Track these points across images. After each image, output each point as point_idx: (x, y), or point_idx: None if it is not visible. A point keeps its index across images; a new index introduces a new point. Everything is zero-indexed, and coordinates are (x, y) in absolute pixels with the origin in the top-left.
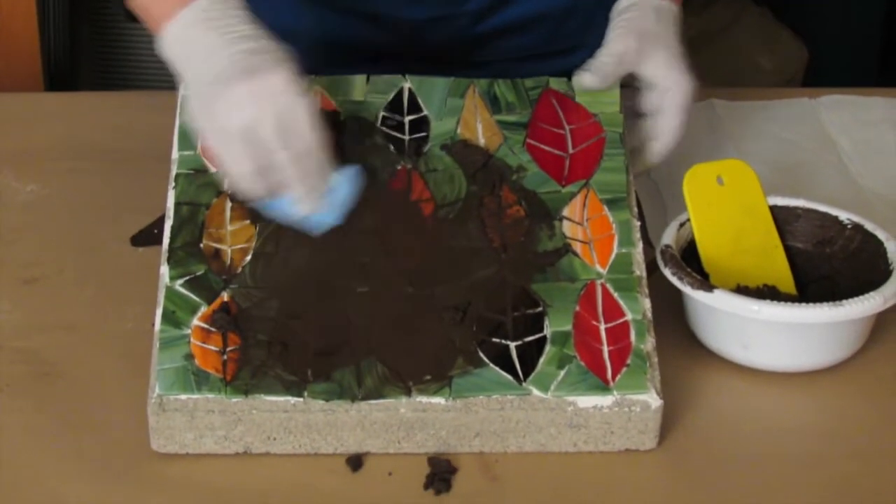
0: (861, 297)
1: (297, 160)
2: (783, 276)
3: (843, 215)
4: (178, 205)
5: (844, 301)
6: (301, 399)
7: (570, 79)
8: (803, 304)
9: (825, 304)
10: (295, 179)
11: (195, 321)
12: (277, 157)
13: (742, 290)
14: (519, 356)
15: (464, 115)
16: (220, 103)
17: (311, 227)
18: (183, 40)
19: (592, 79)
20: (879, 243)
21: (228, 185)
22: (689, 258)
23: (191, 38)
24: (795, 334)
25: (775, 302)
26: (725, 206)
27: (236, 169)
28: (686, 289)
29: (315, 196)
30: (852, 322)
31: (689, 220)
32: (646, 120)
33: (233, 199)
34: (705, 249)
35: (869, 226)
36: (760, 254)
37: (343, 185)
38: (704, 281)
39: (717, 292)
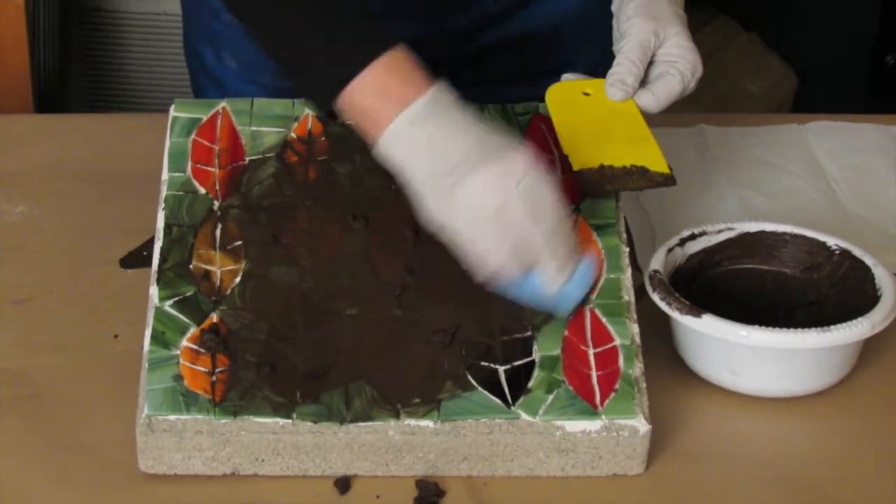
0: (849, 323)
1: (548, 237)
2: (653, 159)
3: (831, 241)
4: (167, 226)
5: (832, 327)
6: (290, 421)
7: None
8: (791, 330)
9: (813, 329)
10: (546, 256)
11: (184, 342)
12: (531, 235)
13: (607, 170)
14: (507, 380)
15: None
16: (467, 189)
17: (560, 305)
18: (406, 138)
19: (622, 89)
20: (867, 269)
21: (481, 272)
22: (678, 283)
23: (414, 136)
24: (783, 360)
25: (764, 328)
26: (590, 109)
27: (494, 252)
28: (674, 314)
29: (566, 271)
30: (840, 348)
31: (677, 244)
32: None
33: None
34: (566, 137)
35: (857, 252)
36: (627, 140)
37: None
38: (693, 306)
39: (705, 318)
